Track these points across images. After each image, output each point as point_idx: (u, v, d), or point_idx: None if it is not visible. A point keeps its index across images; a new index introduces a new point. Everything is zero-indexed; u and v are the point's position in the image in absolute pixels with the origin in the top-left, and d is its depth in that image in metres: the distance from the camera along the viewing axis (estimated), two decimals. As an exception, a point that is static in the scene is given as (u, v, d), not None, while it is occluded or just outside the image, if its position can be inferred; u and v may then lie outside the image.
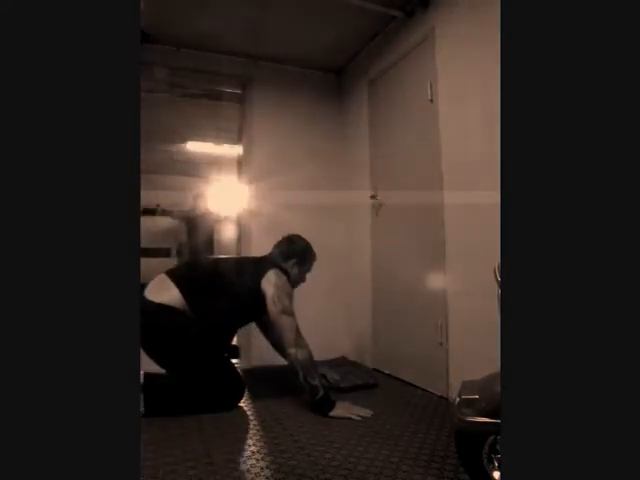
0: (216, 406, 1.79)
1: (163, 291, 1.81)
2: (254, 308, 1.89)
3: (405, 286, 2.29)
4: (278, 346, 2.27)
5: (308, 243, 2.08)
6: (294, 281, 2.01)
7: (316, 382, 1.73)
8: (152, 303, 1.78)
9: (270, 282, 1.84)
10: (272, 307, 1.80)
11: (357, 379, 2.15)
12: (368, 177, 2.67)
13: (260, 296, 1.84)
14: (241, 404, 1.90)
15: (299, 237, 2.09)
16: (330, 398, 1.74)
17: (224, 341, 2.05)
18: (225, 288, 1.87)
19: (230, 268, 1.99)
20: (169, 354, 1.79)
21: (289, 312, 1.81)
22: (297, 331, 1.79)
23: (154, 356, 1.80)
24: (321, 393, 1.72)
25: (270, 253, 2.07)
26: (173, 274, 1.91)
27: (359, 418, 1.66)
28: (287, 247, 2.04)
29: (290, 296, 1.88)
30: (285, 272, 1.95)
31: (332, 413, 1.69)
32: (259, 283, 1.85)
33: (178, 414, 1.72)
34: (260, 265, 1.96)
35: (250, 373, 2.50)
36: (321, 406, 1.72)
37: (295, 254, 2.02)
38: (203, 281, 1.92)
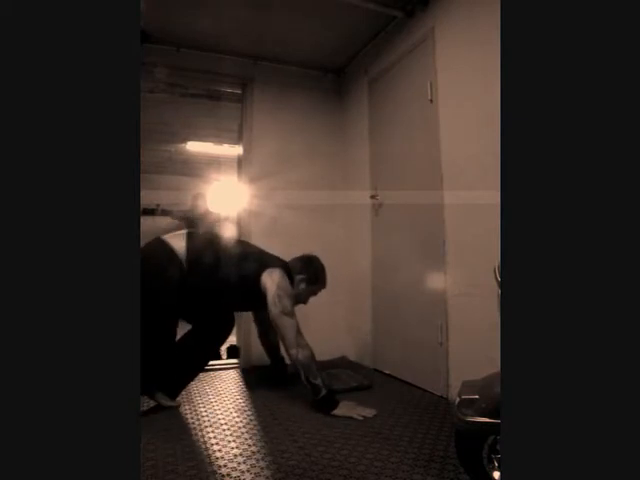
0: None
1: (176, 239, 1.92)
2: (246, 295, 1.93)
3: (405, 286, 2.29)
4: (269, 346, 2.32)
5: (324, 268, 2.11)
6: (296, 296, 2.01)
7: (318, 381, 1.73)
8: (162, 241, 1.91)
9: (273, 279, 1.86)
10: (273, 307, 1.81)
11: (352, 381, 2.15)
12: (368, 177, 2.67)
13: (257, 287, 1.87)
14: (241, 404, 1.90)
15: (317, 259, 2.12)
16: (333, 397, 1.74)
17: (204, 318, 2.04)
18: (226, 263, 1.92)
19: (240, 249, 2.03)
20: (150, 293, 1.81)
21: (290, 313, 1.82)
22: (298, 331, 1.79)
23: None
24: (323, 392, 1.73)
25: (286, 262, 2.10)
26: (190, 234, 1.99)
27: (361, 418, 1.66)
28: (302, 262, 2.07)
29: (291, 297, 1.89)
30: (289, 276, 1.97)
31: (335, 412, 1.70)
32: (260, 274, 1.88)
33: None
34: (270, 258, 2.00)
35: (250, 373, 2.50)
36: (324, 405, 1.73)
37: (307, 271, 2.05)
38: (210, 249, 1.95)
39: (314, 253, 2.13)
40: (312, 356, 1.77)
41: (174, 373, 1.90)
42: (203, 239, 2.02)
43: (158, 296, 1.78)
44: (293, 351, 1.76)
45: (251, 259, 1.96)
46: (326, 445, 1.43)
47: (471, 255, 1.83)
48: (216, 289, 1.91)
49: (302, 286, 2.03)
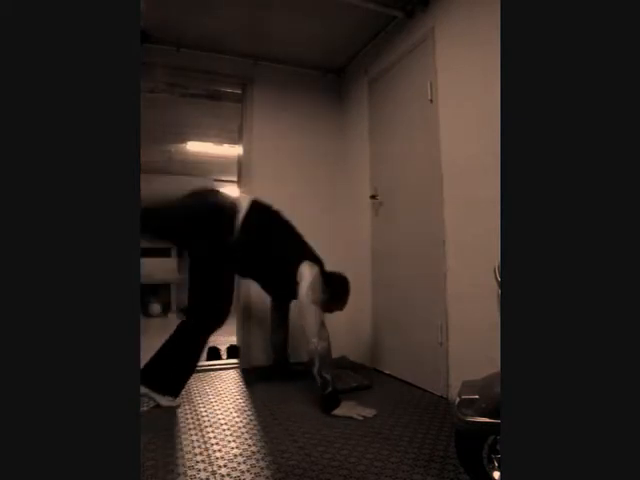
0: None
1: (242, 200, 2.11)
2: (277, 274, 2.04)
3: (405, 286, 2.29)
4: (277, 341, 2.34)
5: (349, 293, 2.17)
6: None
7: (329, 377, 1.75)
8: (226, 198, 2.11)
9: (311, 271, 1.92)
10: (305, 296, 1.85)
11: (352, 381, 2.15)
12: (368, 177, 2.67)
13: (292, 272, 1.93)
14: (241, 404, 1.90)
15: (348, 283, 2.17)
16: (337, 396, 1.75)
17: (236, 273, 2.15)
18: (274, 238, 2.03)
19: (292, 232, 2.10)
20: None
21: (319, 305, 1.87)
22: (322, 324, 1.82)
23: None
24: (330, 389, 1.74)
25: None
26: (254, 201, 2.12)
27: (361, 418, 1.67)
28: (334, 277, 2.11)
29: (322, 292, 1.94)
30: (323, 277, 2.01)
31: (335, 412, 1.71)
32: (300, 263, 1.93)
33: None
34: (312, 253, 2.06)
35: (250, 373, 2.50)
36: (328, 402, 1.74)
37: (335, 287, 2.09)
38: (264, 220, 2.07)
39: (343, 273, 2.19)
40: (329, 350, 1.80)
41: (173, 371, 1.90)
42: (264, 209, 2.11)
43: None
44: (314, 340, 1.78)
45: (297, 245, 2.05)
46: (326, 445, 1.43)
47: (471, 255, 1.83)
48: (254, 256, 2.00)
49: (324, 297, 2.02)
